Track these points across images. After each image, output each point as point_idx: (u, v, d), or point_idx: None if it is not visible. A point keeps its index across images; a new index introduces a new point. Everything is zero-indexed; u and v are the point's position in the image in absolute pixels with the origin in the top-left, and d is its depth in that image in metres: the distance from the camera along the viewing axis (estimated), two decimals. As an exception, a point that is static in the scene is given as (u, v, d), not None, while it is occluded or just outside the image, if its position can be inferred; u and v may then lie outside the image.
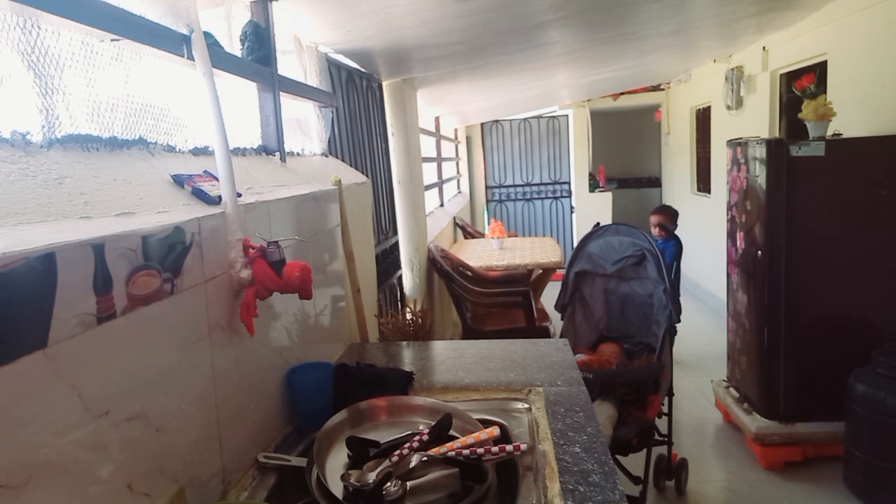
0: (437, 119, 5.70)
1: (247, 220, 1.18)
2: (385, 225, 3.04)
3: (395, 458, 1.10)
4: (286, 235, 1.39)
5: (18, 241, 0.67)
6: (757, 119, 4.51)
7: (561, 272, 3.41)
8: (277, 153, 1.70)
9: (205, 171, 1.19)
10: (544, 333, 3.75)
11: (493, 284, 3.96)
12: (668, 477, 2.74)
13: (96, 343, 0.76)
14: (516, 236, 6.38)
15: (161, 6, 1.13)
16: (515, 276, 4.08)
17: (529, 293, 3.66)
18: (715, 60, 5.23)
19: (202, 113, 1.19)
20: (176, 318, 0.95)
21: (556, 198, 7.92)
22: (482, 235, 6.09)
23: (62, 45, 0.97)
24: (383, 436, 1.22)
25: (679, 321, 3.59)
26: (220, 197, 1.12)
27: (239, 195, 1.19)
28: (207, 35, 1.27)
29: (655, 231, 4.07)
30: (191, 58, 1.17)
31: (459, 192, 7.71)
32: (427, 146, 4.97)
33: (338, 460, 1.17)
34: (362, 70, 2.78)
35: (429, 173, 5.09)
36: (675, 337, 2.62)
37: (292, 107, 1.94)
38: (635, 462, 2.52)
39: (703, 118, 6.07)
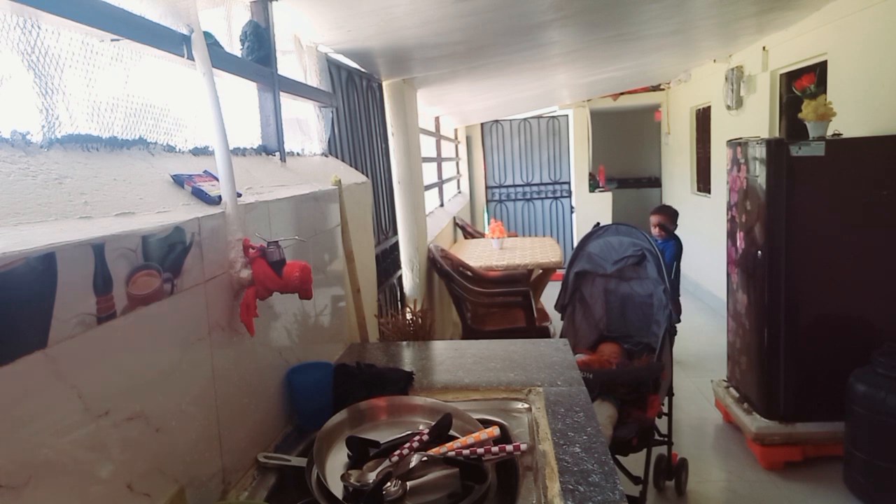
0: (437, 119, 5.70)
1: (247, 220, 1.18)
2: (385, 225, 3.04)
3: (395, 458, 1.10)
4: (286, 235, 1.39)
5: (18, 241, 0.67)
6: (757, 119, 4.51)
7: (561, 272, 3.41)
8: (277, 153, 1.70)
9: (205, 171, 1.19)
10: (544, 333, 3.75)
11: (493, 284, 3.96)
12: (668, 477, 2.74)
13: (96, 343, 0.76)
14: (516, 236, 6.38)
15: (161, 6, 1.13)
16: (515, 276, 4.08)
17: (529, 293, 3.66)
18: (715, 60, 5.23)
19: (202, 113, 1.19)
20: (176, 318, 0.95)
21: (556, 198, 7.92)
22: (482, 235, 6.09)
23: (62, 45, 0.97)
24: (383, 436, 1.22)
25: (679, 321, 3.59)
26: (220, 197, 1.12)
27: (239, 195, 1.19)
28: (207, 35, 1.27)
29: (655, 231, 4.07)
30: (191, 58, 1.17)
31: (459, 192, 7.71)
32: (427, 146, 4.97)
33: (338, 460, 1.17)
34: (362, 70, 2.78)
35: (429, 173, 5.09)
36: (675, 337, 2.62)
37: (292, 107, 1.94)
38: (635, 462, 2.52)
39: (703, 118, 6.08)
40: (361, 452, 1.15)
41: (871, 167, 2.73)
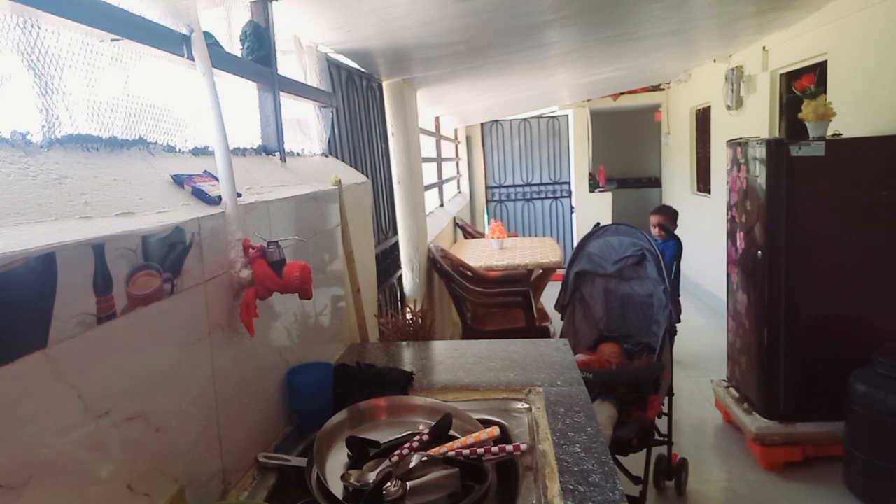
0: (437, 119, 5.70)
1: (247, 220, 1.18)
2: (385, 225, 3.04)
3: (395, 458, 1.10)
4: (286, 235, 1.39)
5: (18, 241, 0.67)
6: (757, 119, 4.51)
7: (561, 272, 3.41)
8: (277, 153, 1.70)
9: (205, 171, 1.19)
10: (544, 333, 3.75)
11: (493, 284, 3.96)
12: (668, 477, 2.74)
13: (96, 343, 0.76)
14: (516, 236, 6.38)
15: (161, 6, 1.13)
16: (515, 276, 4.08)
17: (529, 293, 3.66)
18: (715, 60, 5.23)
19: (202, 113, 1.19)
20: (176, 318, 0.95)
21: (556, 198, 7.92)
22: (482, 235, 6.09)
23: (62, 45, 0.97)
24: (383, 436, 1.22)
25: (679, 321, 3.59)
26: (220, 197, 1.12)
27: (239, 195, 1.19)
28: (207, 35, 1.27)
29: (655, 231, 4.07)
30: (191, 58, 1.17)
31: (459, 192, 7.71)
32: (427, 146, 4.97)
33: (338, 460, 1.17)
34: (362, 70, 2.78)
35: (429, 173, 5.09)
36: (675, 337, 2.62)
37: (292, 107, 1.94)
38: (635, 462, 2.52)
39: (703, 118, 6.08)
40: (361, 452, 1.15)
41: (871, 167, 2.73)
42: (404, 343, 1.99)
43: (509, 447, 1.12)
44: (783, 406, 2.90)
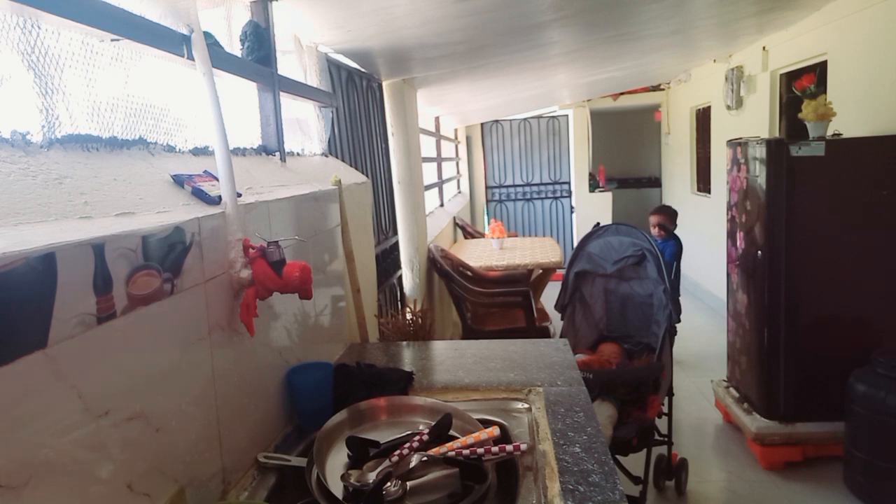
0: (437, 119, 5.70)
1: (247, 220, 1.18)
2: (385, 225, 3.04)
3: (395, 458, 1.10)
4: (286, 235, 1.39)
5: (18, 241, 0.67)
6: (757, 119, 4.51)
7: (561, 272, 3.41)
8: (277, 153, 1.70)
9: (205, 171, 1.19)
10: (544, 333, 3.75)
11: (493, 284, 3.96)
12: (668, 477, 2.74)
13: (96, 343, 0.76)
14: (516, 236, 6.38)
15: (161, 6, 1.13)
16: (515, 276, 4.08)
17: (529, 293, 3.66)
18: (715, 60, 5.23)
19: (202, 113, 1.19)
20: (176, 318, 0.95)
21: (556, 198, 7.92)
22: (482, 235, 6.09)
23: (62, 45, 0.97)
24: (383, 436, 1.22)
25: (679, 321, 3.59)
26: (220, 197, 1.12)
27: (239, 195, 1.19)
28: (207, 35, 1.27)
29: (655, 231, 4.07)
30: (191, 58, 1.17)
31: (459, 192, 7.71)
32: (427, 146, 4.97)
33: (338, 460, 1.17)
34: (362, 70, 2.78)
35: (429, 173, 5.09)
36: (675, 337, 2.62)
37: (292, 107, 1.94)
38: (635, 462, 2.52)
39: (703, 118, 6.08)
40: (361, 452, 1.15)
41: (871, 167, 2.73)
42: (404, 343, 1.99)
43: (509, 447, 1.12)
44: (783, 406, 2.90)
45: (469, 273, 3.96)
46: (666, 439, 2.67)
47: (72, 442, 0.72)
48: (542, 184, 7.92)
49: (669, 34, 3.53)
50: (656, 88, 7.27)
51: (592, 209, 7.35)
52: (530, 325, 3.60)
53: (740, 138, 3.22)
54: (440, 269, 3.67)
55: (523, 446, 1.13)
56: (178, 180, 1.10)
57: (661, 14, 2.86)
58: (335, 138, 2.32)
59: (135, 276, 0.84)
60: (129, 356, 0.83)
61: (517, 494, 1.06)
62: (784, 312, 2.85)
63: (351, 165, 2.46)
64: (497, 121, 7.84)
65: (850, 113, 3.15)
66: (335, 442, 1.22)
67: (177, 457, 0.94)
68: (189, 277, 0.98)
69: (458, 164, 7.54)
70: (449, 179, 6.65)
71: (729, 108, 4.92)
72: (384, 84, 3.22)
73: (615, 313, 2.91)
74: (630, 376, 2.49)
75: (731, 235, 3.30)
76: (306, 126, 2.06)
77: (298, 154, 1.95)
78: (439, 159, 5.81)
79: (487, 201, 8.01)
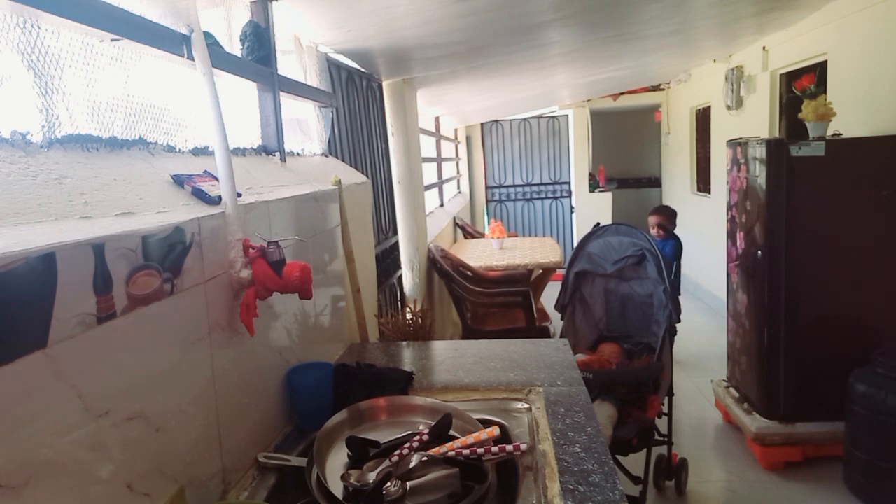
0: (437, 119, 5.70)
1: (247, 220, 1.18)
2: (385, 225, 3.04)
3: (395, 458, 1.10)
4: (286, 235, 1.39)
5: (18, 241, 0.67)
6: (757, 119, 4.51)
7: (561, 272, 3.41)
8: (277, 153, 1.70)
9: (205, 171, 1.19)
10: (544, 333, 3.75)
11: (493, 284, 3.96)
12: (668, 477, 2.74)
13: (96, 343, 0.76)
14: (516, 236, 6.38)
15: (161, 6, 1.13)
16: (515, 276, 4.08)
17: (529, 293, 3.66)
18: (715, 60, 5.23)
19: (202, 113, 1.19)
20: (176, 318, 0.95)
21: (556, 198, 7.92)
22: (482, 235, 6.09)
23: (62, 45, 0.97)
24: (383, 436, 1.22)
25: (679, 321, 3.59)
26: (220, 197, 1.12)
27: (239, 195, 1.19)
28: (207, 35, 1.27)
29: (654, 231, 4.08)
30: (191, 58, 1.17)
31: (459, 192, 7.71)
32: (427, 146, 4.97)
33: (338, 460, 1.17)
34: (362, 70, 2.78)
35: (429, 173, 5.09)
36: (675, 337, 2.62)
37: (292, 107, 1.94)
38: (635, 462, 2.52)
39: (703, 118, 6.08)
40: (361, 452, 1.15)
41: (871, 167, 2.73)
42: (404, 343, 1.99)
43: (509, 447, 1.12)
44: (783, 406, 2.90)
45: (469, 273, 3.96)
46: (666, 439, 2.67)
47: (72, 442, 0.72)
48: (542, 184, 7.93)
49: (669, 34, 3.53)
50: (656, 88, 7.27)
51: (592, 209, 7.35)
52: (530, 325, 3.60)
53: (740, 138, 3.22)
54: (440, 269, 3.67)
55: (523, 446, 1.13)
56: (178, 180, 1.10)
57: (661, 14, 2.86)
58: (335, 138, 2.32)
59: (135, 276, 0.84)
60: (129, 356, 0.83)
61: (517, 494, 1.06)
62: (784, 312, 2.85)
63: (351, 165, 2.46)
64: (497, 121, 7.84)
65: (850, 113, 3.15)
66: (335, 442, 1.22)
67: (177, 457, 0.94)
68: (189, 277, 0.98)
69: (458, 164, 7.54)
70: (449, 179, 6.65)
71: (729, 108, 4.92)
72: (384, 84, 3.22)
73: (615, 313, 2.91)
74: (630, 376, 2.49)
75: (731, 235, 3.30)
76: (306, 126, 2.06)
77: (298, 154, 1.95)
78: (439, 159, 5.81)
79: (487, 201, 8.01)
